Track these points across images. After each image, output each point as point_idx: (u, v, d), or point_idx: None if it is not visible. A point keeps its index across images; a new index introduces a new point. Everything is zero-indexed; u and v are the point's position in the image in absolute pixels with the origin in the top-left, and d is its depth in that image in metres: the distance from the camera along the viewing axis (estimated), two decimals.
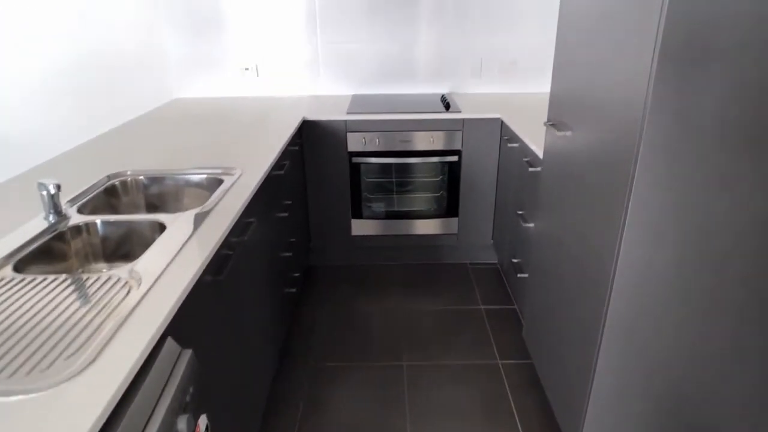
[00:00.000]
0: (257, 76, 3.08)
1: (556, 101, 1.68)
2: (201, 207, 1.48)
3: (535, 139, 2.11)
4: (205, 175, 1.77)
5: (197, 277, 1.16)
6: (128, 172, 1.78)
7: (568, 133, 1.55)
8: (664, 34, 1.02)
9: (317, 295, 2.67)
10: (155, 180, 1.78)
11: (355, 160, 2.66)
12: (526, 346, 2.14)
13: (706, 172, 1.14)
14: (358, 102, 2.84)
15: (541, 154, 1.95)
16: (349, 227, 2.82)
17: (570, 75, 1.55)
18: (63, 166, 1.87)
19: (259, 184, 1.68)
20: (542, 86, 3.09)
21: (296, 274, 2.42)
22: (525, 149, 2.18)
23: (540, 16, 2.93)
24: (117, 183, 1.74)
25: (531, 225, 2.10)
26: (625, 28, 1.16)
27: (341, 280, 2.82)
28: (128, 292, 1.09)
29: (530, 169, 2.05)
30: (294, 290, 2.29)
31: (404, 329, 2.39)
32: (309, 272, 2.89)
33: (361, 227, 2.82)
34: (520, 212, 2.26)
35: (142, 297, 1.05)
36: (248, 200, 1.54)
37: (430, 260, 2.96)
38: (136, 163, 1.86)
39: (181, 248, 1.25)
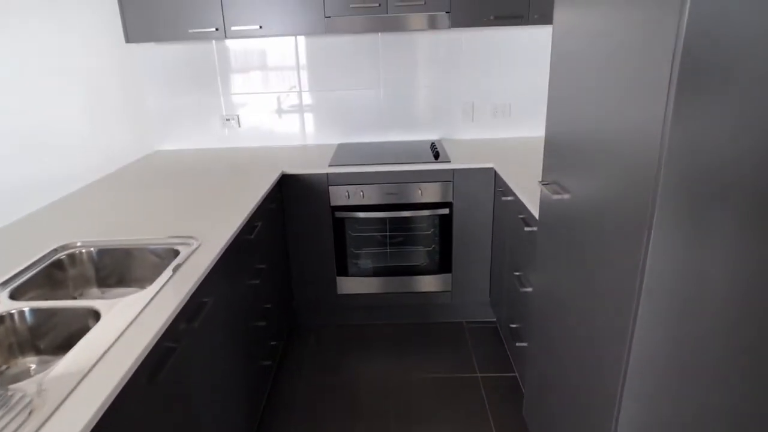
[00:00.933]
0: (239, 126, 2.95)
1: (550, 157, 1.51)
2: (146, 288, 1.29)
3: (530, 193, 1.93)
4: (160, 246, 1.59)
5: (122, 384, 0.96)
6: (78, 243, 1.61)
7: (566, 197, 1.37)
8: (681, 67, 0.85)
9: (298, 361, 2.45)
10: (106, 252, 1.60)
11: (339, 214, 2.48)
12: (527, 426, 1.90)
13: (735, 224, 0.95)
14: (343, 152, 2.69)
15: (536, 213, 1.76)
16: (334, 285, 2.62)
17: (566, 125, 1.37)
18: (12, 235, 1.69)
19: (219, 256, 1.50)
20: (537, 130, 2.94)
21: (273, 343, 2.20)
22: (520, 205, 2.00)
23: (533, 58, 2.81)
24: (64, 257, 1.56)
25: (529, 289, 1.90)
26: (634, 66, 0.99)
27: (326, 342, 2.59)
28: (29, 414, 0.89)
29: (526, 229, 1.87)
30: (270, 362, 2.08)
31: (393, 401, 2.16)
32: (291, 333, 2.67)
33: (347, 285, 2.62)
34: (517, 273, 2.06)
35: (41, 426, 0.85)
36: (201, 278, 1.36)
37: (422, 319, 2.75)
38: (92, 230, 1.69)
39: (111, 346, 1.06)
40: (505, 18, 2.41)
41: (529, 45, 2.78)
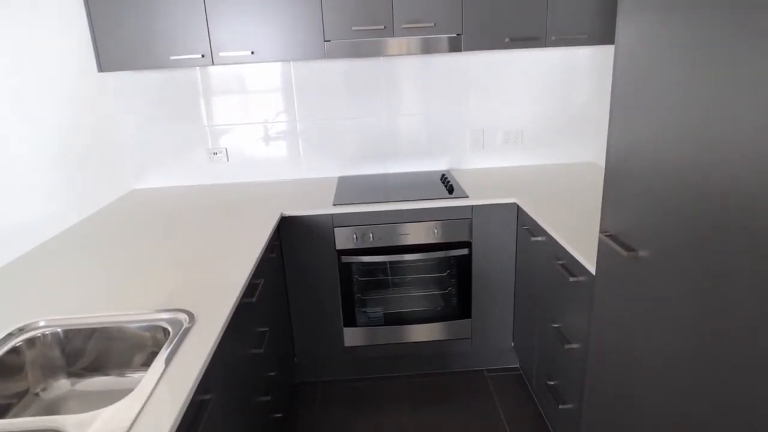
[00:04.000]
0: (227, 161, 2.67)
1: (615, 196, 1.27)
2: (130, 381, 1.00)
3: (566, 233, 1.70)
4: (145, 324, 1.30)
5: None
6: (41, 323, 1.30)
7: (643, 254, 1.14)
8: None
9: (304, 424, 2.15)
10: (77, 333, 1.30)
11: (345, 259, 2.21)
12: None
13: None
14: (346, 187, 2.43)
15: (584, 262, 1.53)
16: (341, 338, 2.34)
17: (646, 150, 1.15)
18: None
19: (220, 337, 1.22)
20: (553, 157, 2.73)
21: (278, 415, 1.91)
22: (557, 248, 1.77)
23: (547, 81, 2.61)
24: (23, 342, 1.25)
25: (576, 346, 1.65)
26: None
27: (333, 400, 2.30)
28: None
29: (571, 279, 1.63)
30: None
31: None
32: (294, 393, 2.37)
33: (355, 337, 2.34)
34: (556, 325, 1.81)
35: None
36: (201, 374, 1.07)
37: (438, 370, 2.48)
38: (58, 303, 1.39)
39: None
40: (521, 40, 2.20)
41: (543, 68, 2.59)
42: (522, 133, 2.70)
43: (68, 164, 2.61)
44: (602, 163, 2.66)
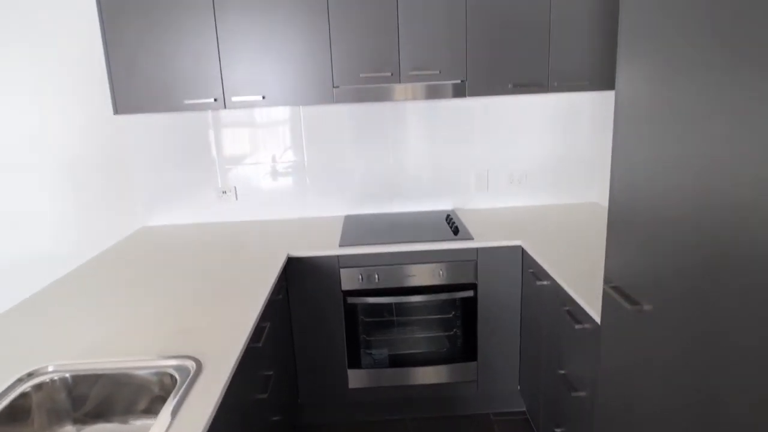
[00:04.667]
0: (236, 199, 2.72)
1: (618, 246, 1.29)
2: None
3: (571, 278, 1.71)
4: (152, 370, 1.31)
5: None
6: (50, 368, 1.32)
7: (647, 307, 1.15)
8: None
9: None
10: (84, 379, 1.31)
11: (351, 300, 2.22)
12: None
13: None
14: (352, 227, 2.46)
15: (589, 311, 1.53)
16: (345, 380, 2.32)
17: (646, 199, 1.16)
18: None
19: (227, 385, 1.22)
20: (557, 198, 2.76)
21: None
22: (562, 294, 1.77)
23: (550, 124, 2.66)
24: (31, 388, 1.27)
25: (583, 394, 1.64)
26: None
27: None
28: None
29: (576, 326, 1.63)
30: None
31: None
32: None
33: (359, 379, 2.33)
34: (563, 372, 1.80)
35: None
36: (208, 425, 1.08)
37: (444, 413, 2.44)
38: (67, 347, 1.40)
39: None
40: (524, 86, 2.26)
41: (546, 110, 2.64)
42: (526, 173, 2.73)
43: (80, 199, 2.66)
44: (606, 203, 2.68)
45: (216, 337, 1.43)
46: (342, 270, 2.19)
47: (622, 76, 1.22)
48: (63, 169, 2.62)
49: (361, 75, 2.22)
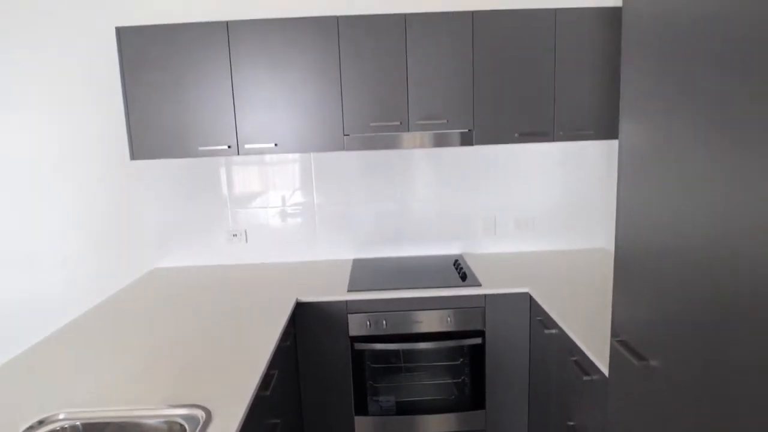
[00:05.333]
0: (246, 242, 2.76)
1: (625, 299, 1.30)
2: None
3: (578, 326, 1.71)
4: (161, 420, 1.32)
5: None
6: (61, 416, 1.33)
7: (654, 363, 1.15)
8: None
9: None
10: (94, 427, 1.32)
11: (358, 346, 2.22)
12: None
13: None
14: (360, 272, 2.49)
15: (597, 363, 1.53)
16: (351, 427, 2.30)
17: (651, 250, 1.18)
18: None
19: None
20: (563, 243, 2.78)
21: None
22: (570, 343, 1.77)
23: (556, 171, 2.71)
24: None
25: None
26: None
27: None
28: None
29: (585, 378, 1.62)
30: None
31: None
32: None
33: (366, 426, 2.30)
34: (571, 423, 1.78)
35: None
36: None
37: None
38: (77, 393, 1.42)
39: None
40: (530, 135, 2.32)
41: (551, 157, 2.70)
42: (533, 219, 2.76)
43: (92, 240, 2.72)
44: (612, 249, 2.69)
45: (225, 385, 1.44)
46: (350, 315, 2.21)
47: (624, 129, 1.27)
48: (77, 210, 2.69)
49: (371, 124, 2.29)
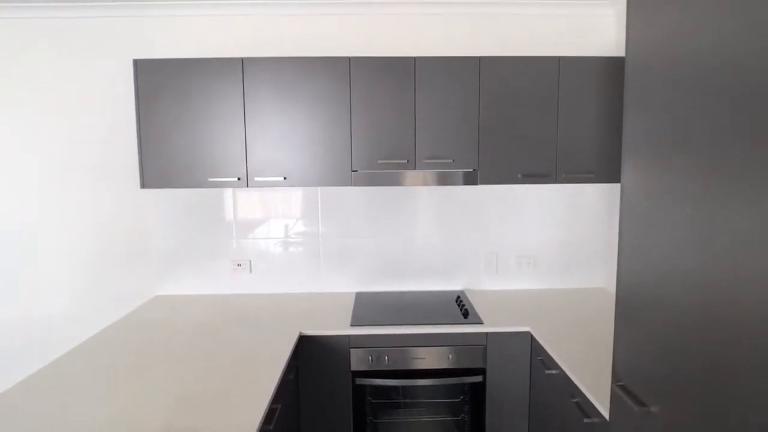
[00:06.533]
0: (250, 272, 2.79)
1: (626, 344, 1.33)
2: None
3: (582, 372, 1.73)
4: None
5: None
6: None
7: (655, 409, 1.17)
8: None
9: None
10: None
11: (360, 381, 2.23)
12: None
13: None
14: (363, 306, 2.51)
15: (598, 406, 1.55)
16: None
17: (652, 296, 1.21)
18: None
19: None
20: (564, 283, 2.82)
21: None
22: (570, 385, 1.78)
23: (558, 212, 2.77)
24: None
25: None
26: None
27: None
28: None
29: (585, 420, 1.63)
30: None
31: None
32: None
33: None
34: None
35: None
36: None
37: None
38: (80, 424, 1.42)
39: None
40: (533, 176, 2.38)
41: (553, 198, 2.76)
42: (535, 257, 2.80)
43: (97, 265, 2.75)
44: (612, 289, 2.72)
45: (229, 419, 1.45)
46: (352, 350, 2.22)
47: (626, 173, 1.31)
48: (84, 235, 2.73)
49: (378, 161, 2.35)
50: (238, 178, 2.38)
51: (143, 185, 2.39)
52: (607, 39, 2.69)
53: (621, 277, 1.33)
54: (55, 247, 2.74)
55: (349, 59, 2.31)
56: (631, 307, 1.29)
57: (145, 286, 2.78)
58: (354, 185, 2.37)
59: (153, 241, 2.76)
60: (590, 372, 1.74)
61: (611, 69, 2.34)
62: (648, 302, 1.21)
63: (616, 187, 2.73)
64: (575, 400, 1.74)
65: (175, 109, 2.33)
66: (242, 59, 2.32)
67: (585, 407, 1.67)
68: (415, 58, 2.31)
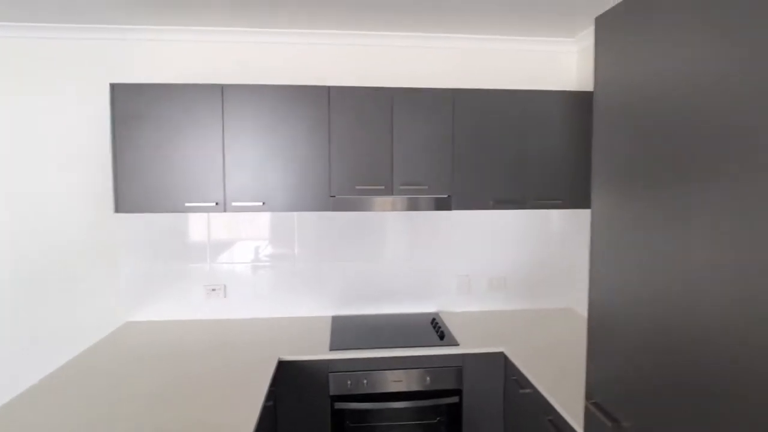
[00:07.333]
0: (225, 296, 2.78)
1: (598, 363, 1.41)
2: None
3: (555, 390, 1.81)
4: None
5: None
6: None
7: (627, 424, 1.25)
8: None
9: None
10: None
11: (339, 405, 2.24)
12: None
13: None
14: (341, 330, 2.53)
15: (573, 423, 1.62)
16: None
17: (622, 315, 1.30)
18: None
19: None
20: (534, 303, 2.93)
21: None
22: (544, 403, 1.86)
23: (526, 235, 2.89)
24: None
25: None
26: None
27: None
28: None
29: None
30: None
31: None
32: None
33: None
34: None
35: None
36: None
37: None
38: None
39: None
40: (504, 203, 2.49)
41: (523, 223, 2.88)
42: (506, 279, 2.91)
43: (65, 291, 2.67)
44: (579, 309, 2.84)
45: None
46: (331, 374, 2.24)
47: (596, 200, 1.41)
48: (52, 261, 2.66)
49: (357, 187, 2.41)
50: (216, 203, 2.39)
51: (117, 209, 2.37)
52: (571, 73, 2.87)
53: (592, 300, 1.42)
54: (24, 276, 2.65)
55: (329, 89, 2.38)
56: (603, 328, 1.38)
57: (115, 313, 2.72)
58: (333, 210, 2.42)
59: (124, 266, 2.71)
60: (563, 390, 1.82)
61: (576, 102, 2.49)
62: (618, 323, 1.30)
63: (582, 212, 2.88)
64: (549, 418, 1.82)
65: (152, 134, 2.34)
66: (222, 86, 2.35)
67: (559, 424, 1.75)
68: (393, 89, 2.41)
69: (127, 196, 2.36)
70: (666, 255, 1.11)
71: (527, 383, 2.03)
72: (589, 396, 1.43)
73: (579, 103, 2.49)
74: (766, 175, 0.85)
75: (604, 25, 1.36)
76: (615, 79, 1.32)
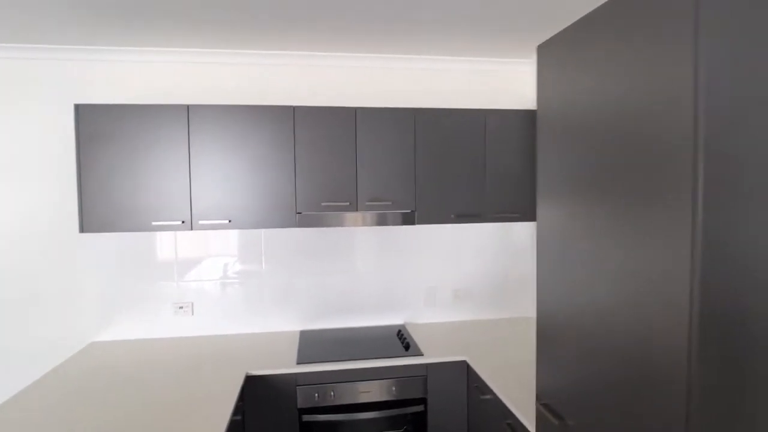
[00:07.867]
0: (192, 314, 2.79)
1: (546, 367, 1.51)
2: None
3: (513, 395, 1.90)
4: None
5: None
6: None
7: (571, 422, 1.35)
8: None
9: None
10: None
11: (306, 418, 2.28)
12: None
13: None
14: (308, 343, 2.58)
15: (527, 424, 1.71)
16: None
17: (564, 319, 1.40)
18: None
19: None
20: (496, 313, 3.04)
21: None
22: (502, 407, 1.95)
23: (487, 247, 3.01)
24: None
25: None
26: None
27: None
28: None
29: None
30: None
31: None
32: None
33: None
34: None
35: None
36: None
37: None
38: None
39: None
40: (465, 216, 2.60)
41: (485, 236, 3.00)
42: (470, 290, 3.01)
43: (27, 311, 2.64)
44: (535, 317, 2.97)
45: None
46: (299, 388, 2.28)
47: (540, 212, 1.52)
48: (14, 281, 2.63)
49: (322, 203, 2.48)
50: (183, 222, 2.42)
51: (82, 229, 2.37)
52: (528, 92, 3.02)
53: (540, 307, 1.52)
54: None
55: (294, 108, 2.46)
56: (549, 334, 1.48)
57: (79, 333, 2.69)
58: (299, 227, 2.48)
59: (89, 286, 2.70)
60: (520, 394, 1.91)
61: (532, 120, 2.64)
62: (563, 329, 1.40)
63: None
64: (508, 422, 1.91)
65: (118, 154, 2.36)
66: (188, 106, 2.40)
67: (516, 428, 1.84)
68: (356, 109, 2.50)
69: (93, 215, 2.36)
70: (603, 265, 1.21)
71: (487, 389, 2.12)
72: (539, 398, 1.53)
73: (534, 120, 2.64)
74: (673, 194, 0.96)
75: (545, 52, 1.48)
76: (554, 101, 1.43)
